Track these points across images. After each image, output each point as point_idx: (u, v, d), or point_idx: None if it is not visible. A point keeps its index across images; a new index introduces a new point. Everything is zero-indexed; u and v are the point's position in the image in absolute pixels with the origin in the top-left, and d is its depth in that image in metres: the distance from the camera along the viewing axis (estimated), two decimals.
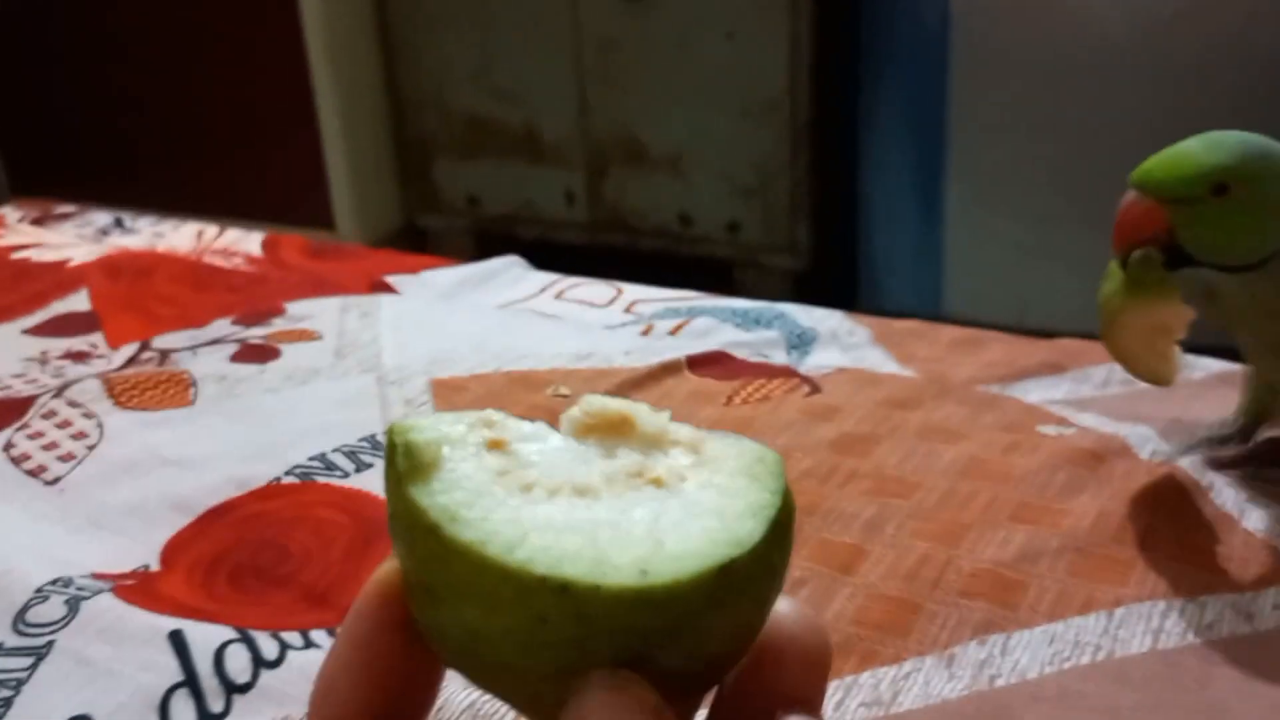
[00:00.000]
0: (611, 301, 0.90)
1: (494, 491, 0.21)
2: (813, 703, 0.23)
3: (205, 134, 2.32)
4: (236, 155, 2.30)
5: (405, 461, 0.21)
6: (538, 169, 2.16)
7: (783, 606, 0.23)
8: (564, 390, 0.67)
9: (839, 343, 0.80)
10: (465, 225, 2.26)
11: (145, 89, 2.33)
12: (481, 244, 2.23)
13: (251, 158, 2.30)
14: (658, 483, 0.22)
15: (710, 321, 0.84)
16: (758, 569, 0.21)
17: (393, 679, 0.22)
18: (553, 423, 0.23)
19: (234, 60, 2.25)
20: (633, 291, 0.91)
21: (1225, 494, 0.54)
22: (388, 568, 0.22)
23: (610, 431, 0.23)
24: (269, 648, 0.46)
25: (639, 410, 0.23)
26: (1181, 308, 0.48)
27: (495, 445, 0.22)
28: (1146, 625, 0.46)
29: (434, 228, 2.30)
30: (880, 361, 0.76)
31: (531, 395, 0.67)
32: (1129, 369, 0.53)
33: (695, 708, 0.23)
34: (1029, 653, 0.45)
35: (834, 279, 1.99)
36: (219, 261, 0.99)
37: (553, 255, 1.06)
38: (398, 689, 0.22)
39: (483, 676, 0.21)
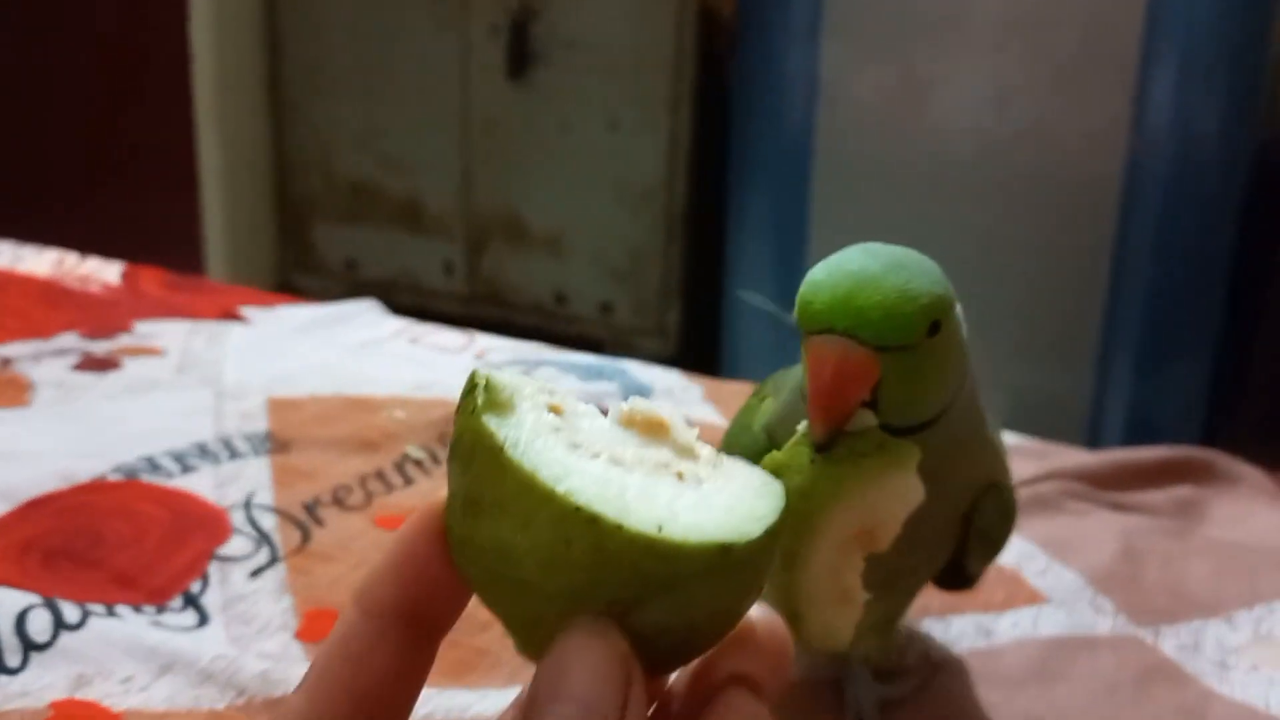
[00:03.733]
0: (463, 349, 0.93)
1: (549, 439, 0.25)
2: (762, 687, 0.25)
3: (76, 171, 2.29)
4: (109, 196, 2.28)
5: (485, 395, 0.25)
6: (418, 238, 2.19)
7: (753, 611, 0.26)
8: (399, 414, 0.70)
9: (672, 398, 0.85)
10: (341, 289, 2.27)
11: (12, 116, 2.31)
12: None
13: (124, 201, 2.28)
14: (680, 476, 0.26)
15: (553, 372, 0.88)
16: (748, 563, 0.25)
17: (425, 578, 0.25)
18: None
19: (119, 106, 2.24)
20: (484, 341, 0.95)
21: None
22: (438, 496, 0.25)
23: (648, 430, 0.27)
24: (71, 613, 0.47)
25: (676, 420, 0.27)
26: (911, 489, 0.36)
27: (554, 409, 0.26)
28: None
29: (309, 288, 2.31)
30: (707, 415, 0.81)
31: (368, 416, 0.70)
32: (806, 619, 0.39)
33: (662, 682, 0.26)
34: None
35: (701, 365, 2.05)
36: (76, 286, 1.00)
37: (429, 319, 1.09)
38: (428, 590, 0.25)
39: (495, 591, 0.25)
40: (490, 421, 0.24)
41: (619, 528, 0.23)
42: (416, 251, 2.21)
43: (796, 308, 0.36)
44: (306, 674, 0.24)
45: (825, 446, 0.35)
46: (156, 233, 2.28)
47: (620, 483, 0.24)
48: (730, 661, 0.25)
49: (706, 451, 0.27)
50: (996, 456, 0.43)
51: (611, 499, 0.24)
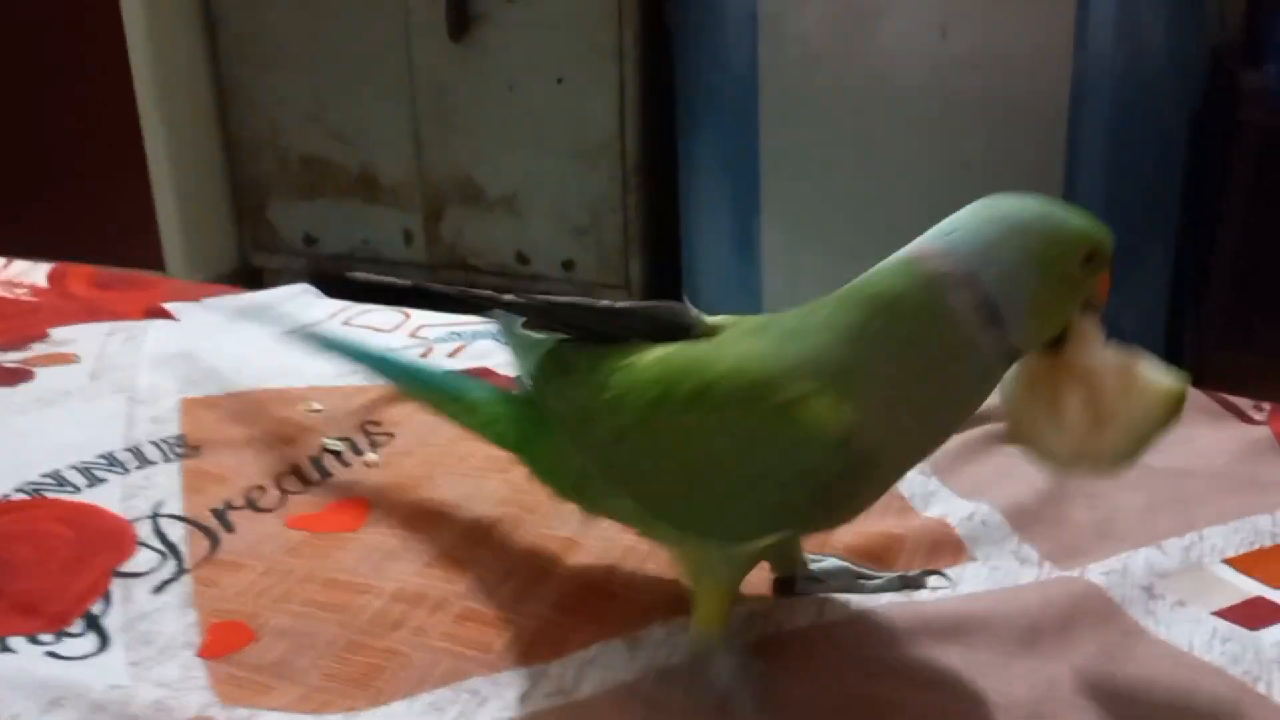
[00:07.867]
0: (398, 327, 0.91)
1: None
2: None
3: (27, 174, 2.26)
4: (61, 196, 2.25)
5: None
6: (375, 209, 2.16)
7: None
8: (316, 406, 0.69)
9: None
10: (302, 265, 2.24)
11: None
12: (319, 284, 2.21)
13: (77, 199, 2.24)
14: None
15: (490, 344, 0.86)
16: None
17: None
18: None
19: (59, 100, 2.19)
20: (420, 317, 0.93)
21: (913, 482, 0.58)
22: None
23: None
24: None
25: None
26: None
27: None
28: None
29: (270, 268, 2.28)
30: None
31: (285, 411, 0.68)
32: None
33: None
34: None
35: None
36: (1, 293, 0.97)
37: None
38: None
39: None
40: None
41: None
42: (375, 222, 2.18)
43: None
44: None
45: None
46: (111, 228, 2.25)
47: None
48: None
49: None
50: None
51: None
